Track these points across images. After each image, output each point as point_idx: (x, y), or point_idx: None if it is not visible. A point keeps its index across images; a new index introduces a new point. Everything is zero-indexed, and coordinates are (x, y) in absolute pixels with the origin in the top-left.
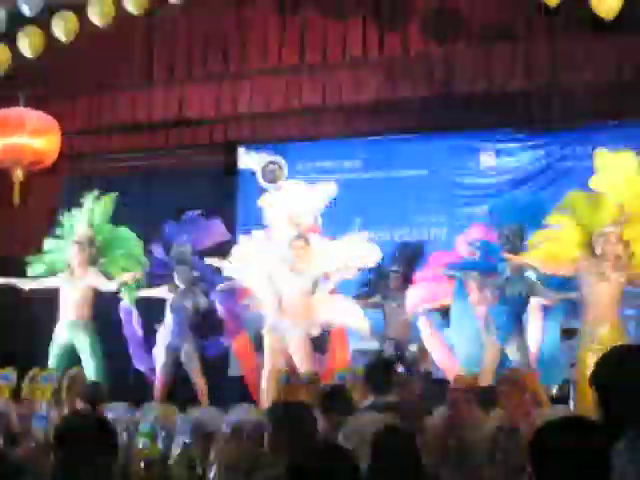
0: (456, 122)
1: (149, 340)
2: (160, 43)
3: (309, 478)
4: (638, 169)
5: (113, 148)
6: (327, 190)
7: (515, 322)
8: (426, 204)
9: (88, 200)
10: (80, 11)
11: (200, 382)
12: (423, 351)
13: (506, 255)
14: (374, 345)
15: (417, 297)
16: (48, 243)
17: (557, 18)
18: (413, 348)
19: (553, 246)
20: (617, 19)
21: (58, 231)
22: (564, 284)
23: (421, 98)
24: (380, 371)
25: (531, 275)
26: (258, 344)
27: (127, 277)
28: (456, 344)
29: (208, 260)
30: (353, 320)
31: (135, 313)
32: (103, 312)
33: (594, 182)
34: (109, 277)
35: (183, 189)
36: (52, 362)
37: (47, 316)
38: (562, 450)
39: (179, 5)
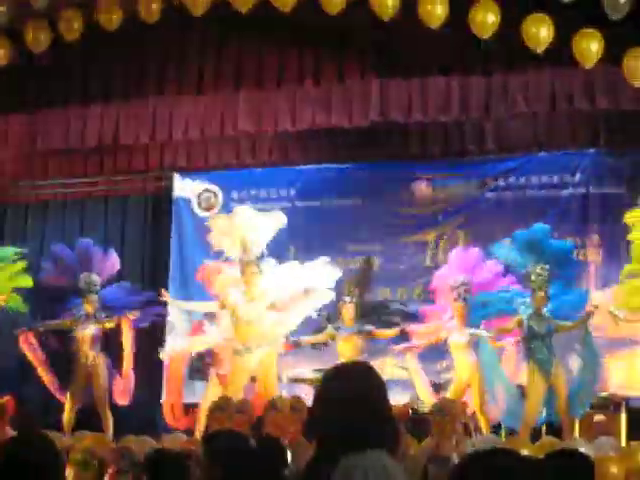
0: (391, 152)
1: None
2: (96, 68)
3: None
4: None
5: (47, 174)
6: (278, 219)
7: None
8: (361, 233)
9: None
10: (17, 35)
11: (106, 412)
12: None
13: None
14: (306, 373)
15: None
16: None
17: (491, 51)
18: None
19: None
20: (550, 52)
21: None
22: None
23: (356, 128)
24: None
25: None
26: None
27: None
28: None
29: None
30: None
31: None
32: None
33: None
34: None
35: (118, 216)
36: None
37: None
38: None
39: (114, 31)
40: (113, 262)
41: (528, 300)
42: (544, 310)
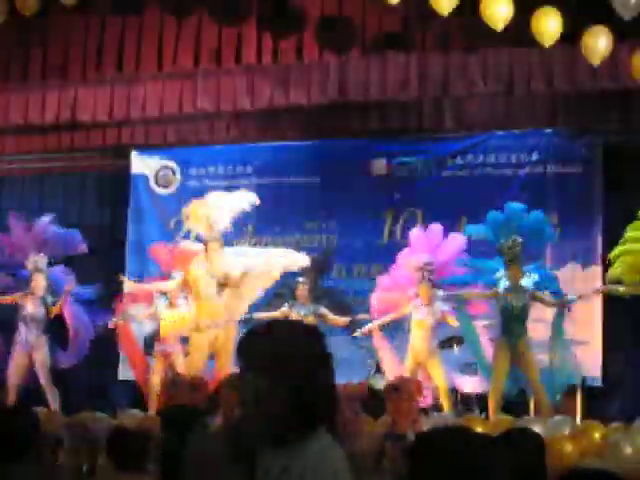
0: (349, 130)
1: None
2: (54, 45)
3: None
4: None
5: (4, 150)
6: (247, 198)
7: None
8: (318, 211)
9: None
10: None
11: (51, 390)
12: None
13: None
14: None
15: (380, 307)
16: None
17: (450, 29)
18: None
19: (631, 259)
20: (509, 32)
21: None
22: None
23: (314, 105)
24: None
25: (528, 284)
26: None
27: None
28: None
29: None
30: None
31: None
32: None
33: None
34: None
35: (76, 192)
36: None
37: None
38: (435, 459)
39: (74, 7)
40: (76, 244)
41: (504, 274)
42: (521, 283)
